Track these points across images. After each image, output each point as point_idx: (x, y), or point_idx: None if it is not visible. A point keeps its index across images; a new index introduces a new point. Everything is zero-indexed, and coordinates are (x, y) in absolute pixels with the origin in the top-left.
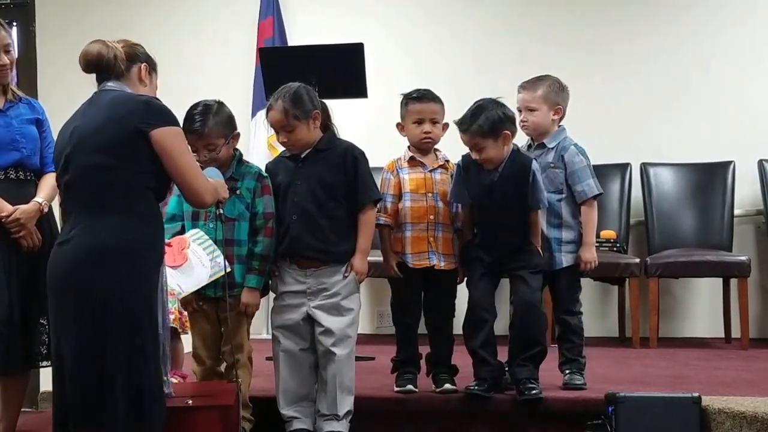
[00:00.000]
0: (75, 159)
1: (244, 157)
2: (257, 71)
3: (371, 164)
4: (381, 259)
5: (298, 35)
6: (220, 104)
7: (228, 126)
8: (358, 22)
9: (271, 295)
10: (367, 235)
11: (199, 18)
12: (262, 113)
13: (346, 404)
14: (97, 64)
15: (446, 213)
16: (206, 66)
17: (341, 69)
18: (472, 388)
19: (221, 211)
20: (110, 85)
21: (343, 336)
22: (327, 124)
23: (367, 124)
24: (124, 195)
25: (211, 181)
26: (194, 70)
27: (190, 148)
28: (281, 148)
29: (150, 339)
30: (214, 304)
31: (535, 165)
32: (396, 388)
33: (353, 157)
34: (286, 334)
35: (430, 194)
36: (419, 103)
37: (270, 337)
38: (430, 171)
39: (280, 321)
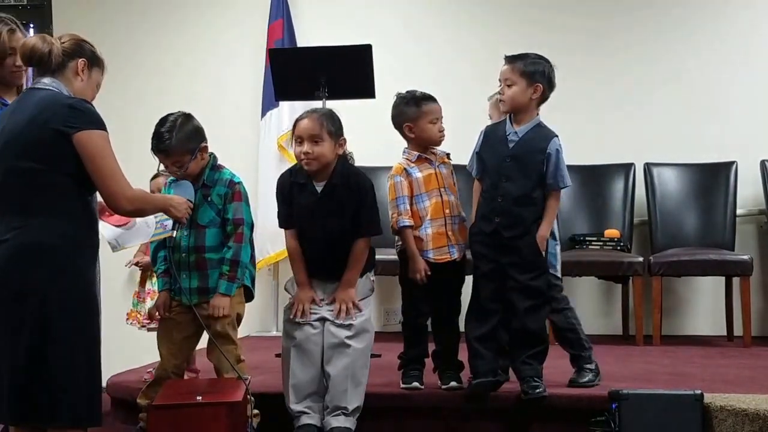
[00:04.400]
0: (2, 162)
1: (250, 156)
2: (267, 72)
3: (374, 164)
4: (390, 257)
5: (307, 37)
6: (186, 117)
7: (193, 140)
8: (365, 24)
9: (280, 293)
10: (358, 265)
11: (211, 20)
12: (271, 113)
13: (356, 399)
14: (30, 58)
15: (457, 203)
16: (217, 67)
17: (349, 70)
18: (476, 382)
19: (173, 234)
20: (44, 81)
21: (362, 330)
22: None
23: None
24: (52, 196)
25: (171, 198)
26: (206, 71)
27: (112, 150)
28: (291, 149)
29: (93, 334)
30: (189, 314)
31: (558, 142)
32: (402, 385)
33: (365, 190)
34: (298, 330)
35: (441, 189)
36: (435, 104)
37: (279, 334)
38: (437, 166)
39: (293, 318)
